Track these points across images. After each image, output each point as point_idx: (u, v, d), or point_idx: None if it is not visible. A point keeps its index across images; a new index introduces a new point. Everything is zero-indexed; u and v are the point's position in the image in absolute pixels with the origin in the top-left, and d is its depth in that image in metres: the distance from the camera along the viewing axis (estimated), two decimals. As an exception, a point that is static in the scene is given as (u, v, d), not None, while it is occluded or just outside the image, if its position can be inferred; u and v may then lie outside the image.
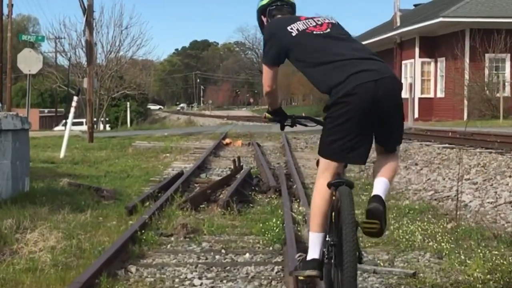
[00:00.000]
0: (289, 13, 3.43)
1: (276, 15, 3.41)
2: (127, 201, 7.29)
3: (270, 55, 3.24)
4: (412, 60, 35.36)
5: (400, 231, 5.59)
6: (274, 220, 5.91)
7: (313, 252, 3.07)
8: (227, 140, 17.73)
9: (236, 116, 59.39)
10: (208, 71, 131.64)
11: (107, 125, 42.19)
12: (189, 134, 21.39)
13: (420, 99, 34.56)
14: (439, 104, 34.03)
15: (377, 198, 2.98)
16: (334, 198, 3.00)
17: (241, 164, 9.89)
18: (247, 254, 4.99)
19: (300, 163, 11.95)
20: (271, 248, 5.18)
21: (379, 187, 3.06)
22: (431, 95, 34.84)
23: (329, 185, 3.02)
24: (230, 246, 5.26)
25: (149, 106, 62.04)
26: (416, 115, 33.78)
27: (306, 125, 3.60)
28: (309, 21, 3.24)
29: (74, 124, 19.24)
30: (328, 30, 3.21)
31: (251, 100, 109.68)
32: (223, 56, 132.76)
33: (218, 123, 43.87)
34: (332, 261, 2.98)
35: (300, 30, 3.19)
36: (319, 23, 3.24)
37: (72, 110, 14.95)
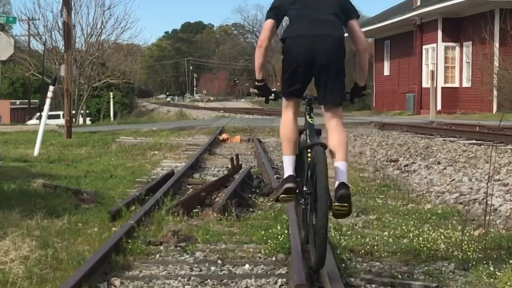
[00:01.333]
0: None
1: None
2: (110, 204, 7.29)
3: (273, 9, 4.44)
4: (434, 45, 35.34)
5: (421, 239, 5.58)
6: (277, 227, 5.92)
7: (288, 171, 4.37)
8: (224, 136, 17.73)
9: (234, 108, 59.37)
10: (202, 57, 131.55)
11: (88, 119, 42.18)
12: (180, 129, 21.39)
13: (443, 89, 34.57)
14: (464, 94, 34.03)
15: (343, 185, 4.20)
16: (310, 156, 4.29)
17: (240, 162, 9.88)
18: (247, 265, 5.00)
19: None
20: (274, 259, 5.19)
21: (341, 174, 4.24)
22: (456, 84, 34.83)
23: (307, 147, 4.36)
24: (228, 256, 5.26)
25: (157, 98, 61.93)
26: (439, 107, 33.81)
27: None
28: None
29: (50, 117, 19.24)
30: None
31: (251, 90, 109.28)
32: (219, 40, 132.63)
33: (214, 116, 43.88)
34: (309, 207, 4.34)
35: None
36: None
37: (48, 101, 14.94)
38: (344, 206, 4.21)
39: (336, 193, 4.19)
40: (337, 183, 4.25)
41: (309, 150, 4.37)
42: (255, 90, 4.64)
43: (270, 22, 4.44)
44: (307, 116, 4.56)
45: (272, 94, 4.63)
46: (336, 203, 4.18)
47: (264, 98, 4.66)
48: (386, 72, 43.23)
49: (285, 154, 4.46)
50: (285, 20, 4.53)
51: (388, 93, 41.94)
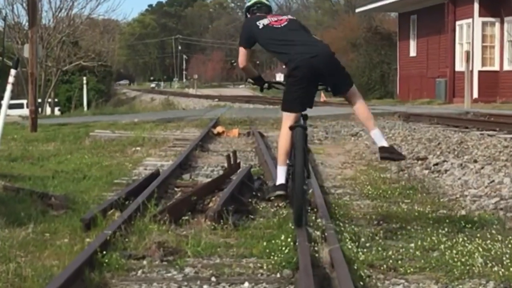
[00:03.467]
0: (266, 12, 6.68)
1: (256, 13, 6.67)
2: (83, 211, 7.28)
3: (243, 40, 6.53)
4: (470, 20, 35.27)
5: (454, 251, 5.58)
6: (282, 237, 5.91)
7: (280, 179, 6.18)
8: (219, 129, 17.72)
9: (231, 96, 59.35)
10: (193, 35, 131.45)
11: (56, 109, 42.22)
12: (167, 121, 21.37)
13: (480, 72, 34.54)
14: (506, 79, 33.98)
15: (383, 147, 6.23)
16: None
17: (238, 161, 9.87)
18: (246, 283, 5.00)
19: (318, 160, 11.95)
20: (278, 275, 5.18)
21: (378, 138, 6.29)
22: (496, 67, 34.80)
23: (290, 127, 6.12)
24: (223, 272, 5.25)
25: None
26: (475, 95, 33.77)
27: (278, 88, 6.81)
28: (273, 18, 6.49)
29: (11, 107, 19.19)
30: (285, 23, 6.43)
31: (248, 79, 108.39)
32: (213, 15, 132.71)
33: (207, 105, 43.86)
34: (290, 176, 6.23)
35: (265, 24, 6.42)
36: (280, 19, 6.49)
37: (9, 88, 14.89)
38: (394, 155, 6.29)
39: (382, 155, 6.27)
40: (378, 147, 6.27)
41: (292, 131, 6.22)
42: (251, 81, 6.76)
43: (243, 50, 6.53)
44: None
45: (266, 84, 6.75)
46: (387, 155, 6.25)
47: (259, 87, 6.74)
48: (412, 52, 43.19)
49: (280, 165, 6.28)
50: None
51: (414, 78, 41.90)
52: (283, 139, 6.22)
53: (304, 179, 6.09)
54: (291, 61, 6.19)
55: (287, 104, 6.26)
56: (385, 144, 6.24)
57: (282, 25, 6.40)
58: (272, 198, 6.26)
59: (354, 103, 6.38)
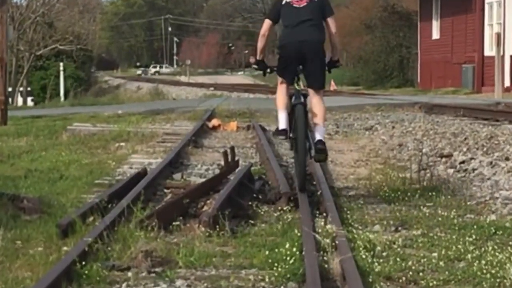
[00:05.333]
0: None
1: None
2: (59, 215, 7.27)
3: (271, 13, 8.52)
4: (501, -2, 35.23)
5: (483, 262, 5.58)
6: (287, 246, 5.91)
7: (282, 124, 8.23)
8: (215, 122, 17.72)
9: (228, 84, 59.36)
10: (185, 15, 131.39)
11: (29, 99, 42.24)
12: (155, 113, 21.37)
13: (513, 57, 34.47)
14: (542, 65, 33.94)
15: (320, 141, 8.09)
16: (295, 112, 8.11)
17: (237, 158, 9.87)
18: (246, 298, 4.99)
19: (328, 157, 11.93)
20: (282, 289, 5.17)
21: (319, 133, 8.16)
22: (531, 51, 34.72)
23: (292, 105, 8.17)
24: (219, 285, 5.25)
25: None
26: (507, 83, 33.72)
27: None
28: None
29: (-23, 96, 19.19)
30: (305, 4, 8.21)
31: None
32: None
33: (201, 95, 43.85)
34: (294, 148, 8.32)
35: (287, 1, 8.25)
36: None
37: (-25, 75, 14.89)
38: (321, 155, 8.18)
39: (316, 146, 8.09)
40: (316, 139, 8.15)
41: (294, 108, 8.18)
42: (255, 66, 8.57)
43: (268, 21, 8.43)
44: (295, 84, 8.32)
45: (268, 69, 8.54)
46: (315, 154, 8.13)
47: (262, 72, 8.64)
48: (435, 35, 43.20)
49: (280, 110, 8.34)
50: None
51: (437, 63, 41.91)
52: (280, 94, 8.44)
53: (306, 151, 8.11)
54: (283, 39, 8.38)
55: (278, 71, 8.45)
56: (322, 139, 8.20)
57: (301, 5, 8.23)
58: (276, 138, 9.08)
59: (314, 98, 8.34)
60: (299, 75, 8.29)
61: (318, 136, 8.12)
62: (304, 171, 8.09)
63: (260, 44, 8.46)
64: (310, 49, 8.18)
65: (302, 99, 8.12)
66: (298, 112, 8.04)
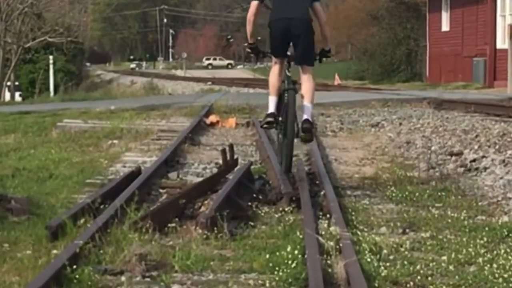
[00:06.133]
0: None
1: None
2: (49, 217, 7.27)
3: None
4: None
5: (495, 266, 5.58)
6: (288, 249, 5.91)
7: (271, 108, 8.86)
8: (213, 118, 17.71)
9: (227, 78, 59.33)
10: (181, 6, 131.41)
11: (17, 94, 42.21)
12: (150, 108, 21.36)
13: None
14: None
15: (307, 120, 8.63)
16: (286, 97, 8.90)
17: (236, 157, 9.87)
18: (245, 304, 5.00)
19: (331, 155, 11.94)
20: (283, 294, 5.18)
21: (307, 111, 8.71)
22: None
23: (284, 90, 8.91)
24: (217, 290, 5.24)
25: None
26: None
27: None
28: None
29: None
30: None
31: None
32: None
33: (198, 89, 43.87)
34: (282, 131, 9.06)
35: None
36: None
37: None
38: (307, 135, 8.73)
39: (302, 125, 8.65)
40: (303, 118, 8.67)
41: (285, 93, 8.91)
42: (249, 50, 9.39)
43: (255, 2, 9.03)
44: (286, 71, 9.05)
45: (261, 53, 9.43)
46: (302, 133, 8.69)
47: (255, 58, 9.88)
48: (445, 27, 43.17)
49: (271, 95, 8.98)
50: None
51: (447, 57, 41.90)
52: (273, 75, 9.02)
53: (294, 134, 8.74)
54: (272, 15, 8.97)
55: (271, 50, 9.14)
56: (310, 118, 8.73)
57: None
58: (265, 126, 9.02)
59: (303, 77, 9.00)
60: (290, 63, 9.05)
61: (305, 115, 8.69)
62: (291, 154, 8.92)
63: (249, 27, 9.14)
64: (299, 26, 8.77)
65: (292, 85, 8.92)
66: (289, 97, 8.81)
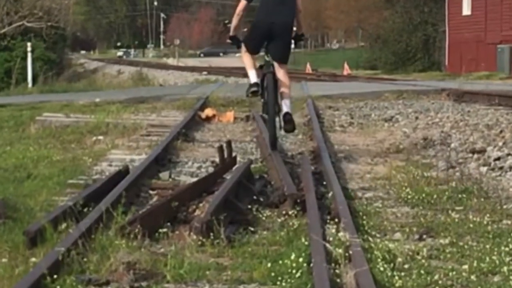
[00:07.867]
0: None
1: None
2: (27, 221, 7.28)
3: None
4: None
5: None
6: (292, 257, 5.92)
7: (253, 79, 10.75)
8: (209, 112, 17.73)
9: (224, 68, 59.40)
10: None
11: (-8, 85, 42.16)
12: (139, 101, 21.39)
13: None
14: None
15: (287, 113, 10.59)
16: (265, 79, 10.93)
17: (234, 154, 9.89)
18: (244, 318, 5.01)
19: (340, 153, 11.95)
20: (287, 307, 5.20)
21: (286, 106, 10.62)
22: None
23: (263, 74, 10.89)
24: (214, 303, 5.26)
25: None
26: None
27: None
28: None
29: None
30: None
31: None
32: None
33: (192, 80, 43.88)
34: (265, 111, 11.10)
35: None
36: None
37: None
38: (289, 126, 10.47)
39: (284, 118, 10.44)
40: (283, 112, 10.46)
41: (265, 77, 10.63)
42: (229, 41, 11.18)
43: (243, 2, 10.59)
44: (266, 56, 10.71)
45: (242, 44, 10.92)
46: (284, 125, 10.47)
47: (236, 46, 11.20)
48: (466, 10, 43.19)
49: (249, 70, 10.67)
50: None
51: (469, 44, 41.92)
52: (245, 55, 10.89)
53: (275, 113, 10.49)
54: (257, 16, 10.63)
55: (245, 40, 10.96)
56: (289, 111, 10.50)
57: None
58: (250, 95, 10.74)
59: (279, 72, 10.65)
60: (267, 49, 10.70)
61: (285, 109, 10.51)
62: (274, 132, 10.52)
63: (234, 21, 10.95)
64: (279, 28, 10.48)
65: (272, 68, 10.65)
66: (268, 79, 10.61)
